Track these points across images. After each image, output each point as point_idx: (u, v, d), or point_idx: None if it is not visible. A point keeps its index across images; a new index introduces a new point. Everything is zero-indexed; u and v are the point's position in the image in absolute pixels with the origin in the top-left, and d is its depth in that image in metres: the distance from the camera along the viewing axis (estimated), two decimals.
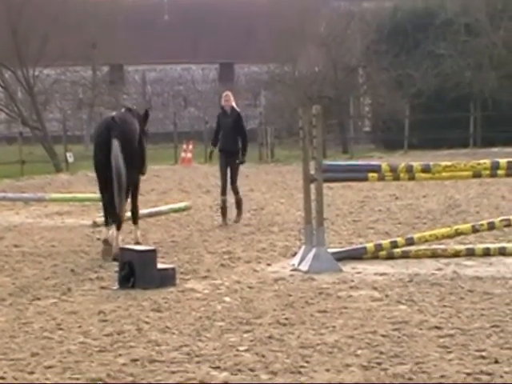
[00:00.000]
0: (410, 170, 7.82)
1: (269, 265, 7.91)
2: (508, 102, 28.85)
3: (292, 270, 7.56)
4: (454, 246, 8.32)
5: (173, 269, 7.17)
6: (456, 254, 7.99)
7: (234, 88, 42.92)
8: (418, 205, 12.47)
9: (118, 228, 8.68)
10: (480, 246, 8.18)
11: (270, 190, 14.75)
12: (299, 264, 7.65)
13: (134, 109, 10.04)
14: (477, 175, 8.00)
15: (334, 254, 7.75)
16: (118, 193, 8.63)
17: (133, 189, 9.27)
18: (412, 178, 8.07)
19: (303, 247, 7.88)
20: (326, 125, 25.41)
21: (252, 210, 12.46)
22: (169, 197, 15.09)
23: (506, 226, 8.31)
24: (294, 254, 8.11)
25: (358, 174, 8.19)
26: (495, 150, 26.48)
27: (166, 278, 6.98)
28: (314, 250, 7.59)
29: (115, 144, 8.74)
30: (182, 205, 12.85)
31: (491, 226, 8.19)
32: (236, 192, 11.56)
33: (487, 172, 7.90)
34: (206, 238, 9.77)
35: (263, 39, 36.41)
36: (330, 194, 13.75)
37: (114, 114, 9.43)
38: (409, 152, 28.20)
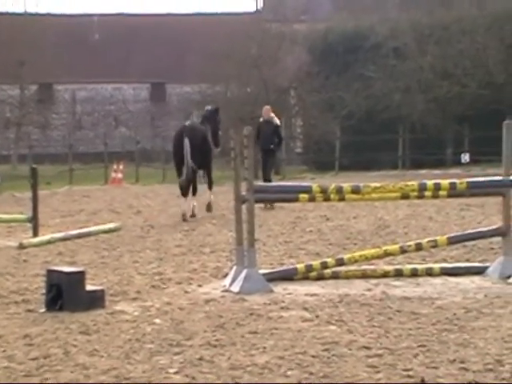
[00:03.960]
0: (340, 190, 7.92)
1: (200, 286, 7.89)
2: (435, 125, 29.57)
3: (223, 291, 7.56)
4: (383, 266, 8.45)
5: (102, 290, 7.09)
6: (385, 275, 8.11)
7: (166, 108, 42.92)
8: (348, 226, 12.63)
9: (194, 194, 14.43)
10: (408, 267, 8.33)
11: (202, 210, 14.74)
12: (230, 285, 7.66)
13: (206, 113, 15.14)
14: (405, 196, 8.16)
15: (265, 274, 7.78)
16: (187, 171, 14.03)
17: (207, 170, 14.90)
18: (342, 199, 8.18)
19: (234, 268, 7.89)
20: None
21: (183, 231, 12.43)
22: (99, 217, 14.93)
23: (432, 246, 8.50)
24: (226, 275, 8.12)
25: (289, 195, 8.26)
26: (423, 171, 27.05)
27: (95, 300, 6.90)
28: (245, 271, 7.61)
29: (186, 142, 13.95)
30: (112, 225, 12.74)
31: (419, 247, 8.35)
32: (268, 182, 15.50)
33: (415, 193, 8.06)
34: (136, 259, 9.69)
35: (195, 59, 36.48)
36: (262, 215, 13.81)
37: (186, 123, 14.78)
38: (340, 173, 28.57)
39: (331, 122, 30.48)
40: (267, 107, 16.98)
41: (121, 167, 27.03)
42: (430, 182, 8.11)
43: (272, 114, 16.66)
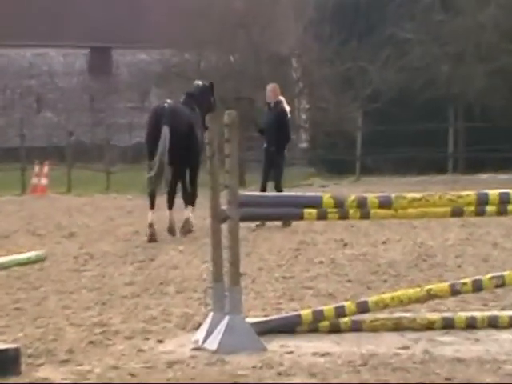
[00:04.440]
0: (363, 204, 7.94)
1: (160, 342, 7.90)
2: (502, 108, 29.55)
3: (194, 350, 7.56)
4: (425, 314, 8.47)
5: (16, 349, 7.08)
6: (429, 326, 8.13)
7: (112, 83, 43.03)
8: (375, 254, 12.67)
9: (170, 207, 14.59)
10: (462, 315, 8.35)
11: (164, 231, 14.76)
12: (205, 340, 7.67)
13: (194, 91, 15.29)
14: (458, 213, 8.17)
15: (255, 325, 7.80)
16: (158, 171, 14.04)
17: (192, 174, 14.81)
18: (366, 217, 8.19)
19: (211, 315, 7.91)
20: (244, 138, 25.63)
21: (137, 262, 12.44)
22: (12, 242, 14.93)
23: (497, 286, 8.50)
24: (198, 326, 8.13)
25: (289, 210, 8.27)
26: (484, 176, 27.16)
27: (6, 364, 6.88)
28: (226, 320, 7.62)
29: (165, 131, 13.93)
30: (32, 254, 12.73)
31: (478, 287, 8.36)
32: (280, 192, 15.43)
33: (472, 208, 8.08)
34: (67, 304, 9.69)
35: (155, 16, 36.57)
36: (251, 239, 13.81)
37: (166, 103, 14.66)
38: (362, 178, 28.64)
39: (349, 105, 30.56)
40: (272, 85, 17.14)
41: (45, 170, 27.02)
42: (493, 192, 8.13)
43: (281, 97, 16.87)
